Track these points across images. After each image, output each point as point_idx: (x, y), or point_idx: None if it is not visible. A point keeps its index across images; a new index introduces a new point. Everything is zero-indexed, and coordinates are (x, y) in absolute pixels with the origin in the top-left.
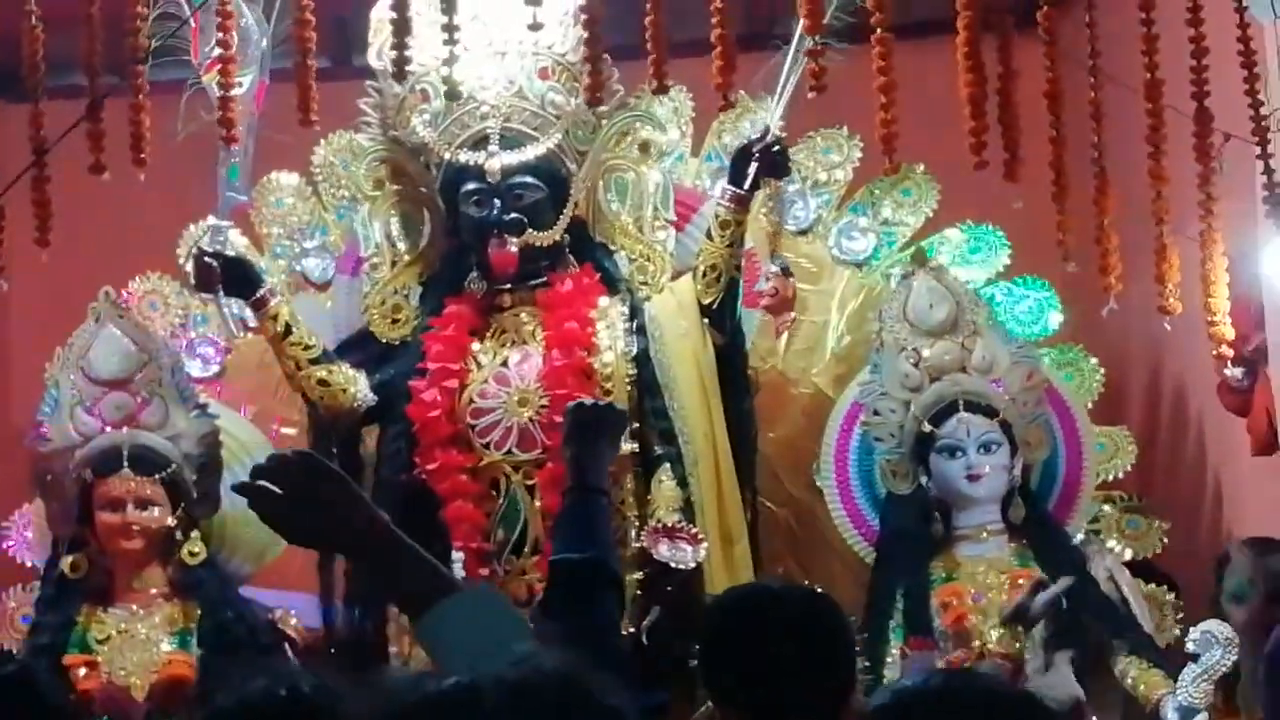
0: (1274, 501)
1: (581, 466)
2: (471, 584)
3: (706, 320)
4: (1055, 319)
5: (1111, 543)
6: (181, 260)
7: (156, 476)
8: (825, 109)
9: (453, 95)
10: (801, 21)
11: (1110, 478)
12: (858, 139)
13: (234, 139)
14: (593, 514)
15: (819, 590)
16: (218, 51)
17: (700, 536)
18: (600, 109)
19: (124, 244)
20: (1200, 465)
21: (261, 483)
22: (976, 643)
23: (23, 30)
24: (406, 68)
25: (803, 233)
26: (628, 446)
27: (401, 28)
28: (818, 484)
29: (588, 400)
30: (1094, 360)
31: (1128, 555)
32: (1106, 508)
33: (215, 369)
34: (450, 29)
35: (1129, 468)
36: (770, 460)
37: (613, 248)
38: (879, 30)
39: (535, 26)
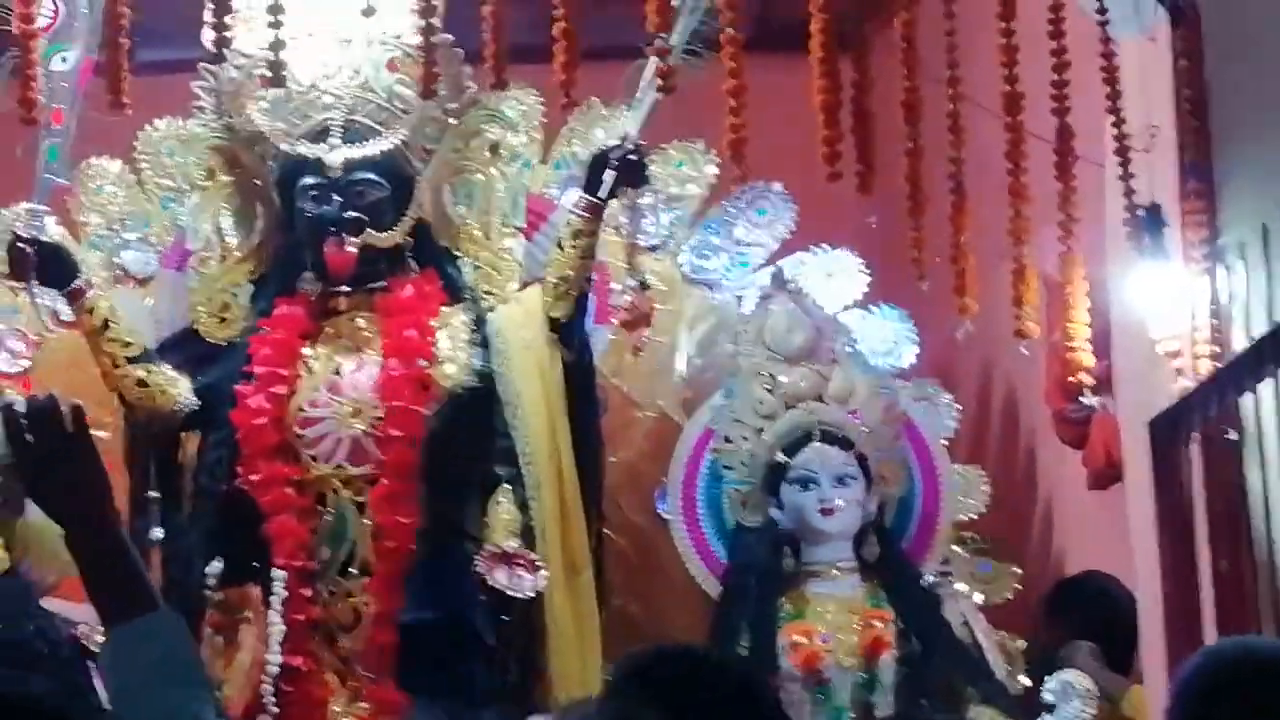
0: (1109, 537)
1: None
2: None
3: (555, 335)
4: (912, 351)
5: (961, 586)
6: None
7: None
8: (685, 123)
9: (278, 81)
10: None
11: (964, 518)
12: (713, 153)
13: (34, 120)
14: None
15: None
16: (41, 22)
17: (539, 564)
18: (450, 106)
19: None
20: (1033, 500)
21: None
22: None
23: None
24: (241, 50)
25: (653, 249)
26: None
27: (221, 3)
28: (660, 512)
29: None
30: (949, 396)
31: (979, 599)
32: (957, 549)
33: (24, 364)
34: (275, 9)
35: (983, 509)
36: (610, 485)
37: (457, 254)
38: (728, 29)
39: (368, 12)
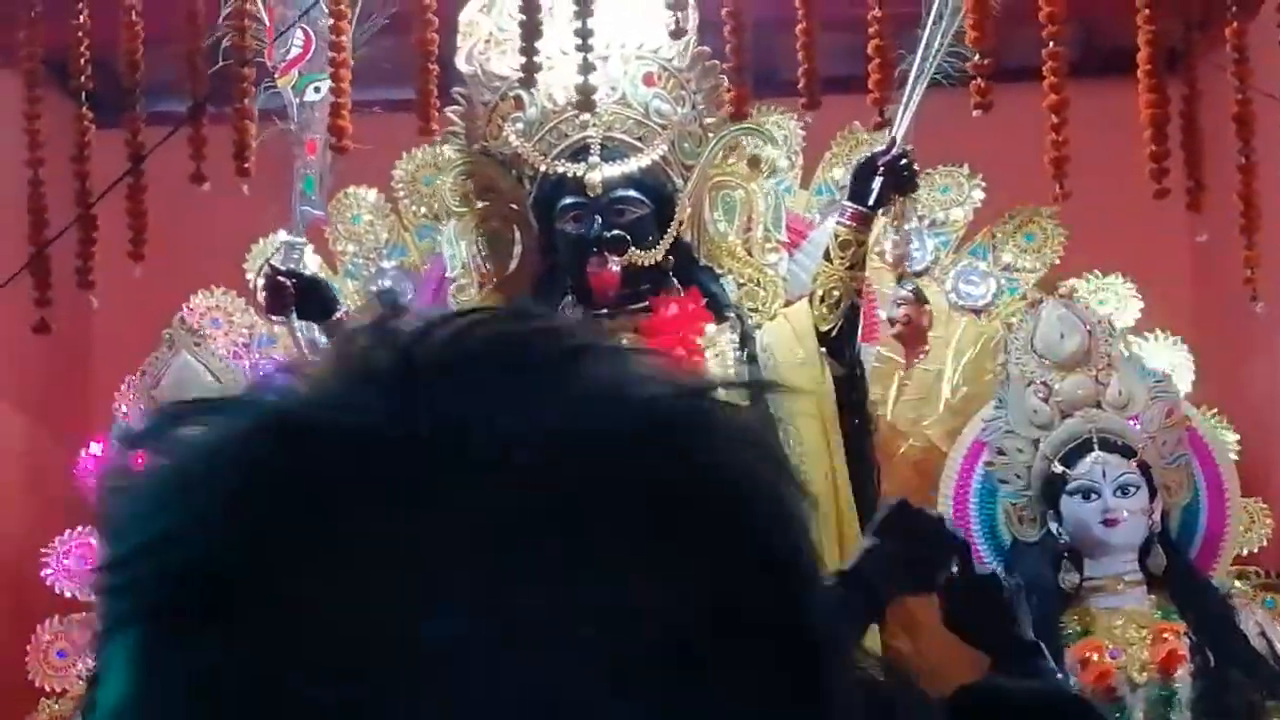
0: None
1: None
2: None
3: (824, 349)
4: (1188, 379)
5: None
6: (250, 277)
7: None
8: (944, 150)
9: (587, 101)
10: (928, 29)
11: (1244, 552)
12: (979, 178)
13: (345, 148)
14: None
15: None
16: (294, 52)
17: None
18: (708, 120)
19: (187, 261)
20: None
21: None
22: None
23: (120, 37)
24: (497, 72)
25: (918, 274)
26: None
27: (530, 31)
28: None
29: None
30: (1229, 427)
31: None
32: (1239, 583)
33: None
34: (584, 34)
35: (1265, 542)
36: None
37: (720, 271)
38: (1052, 44)
39: (678, 34)
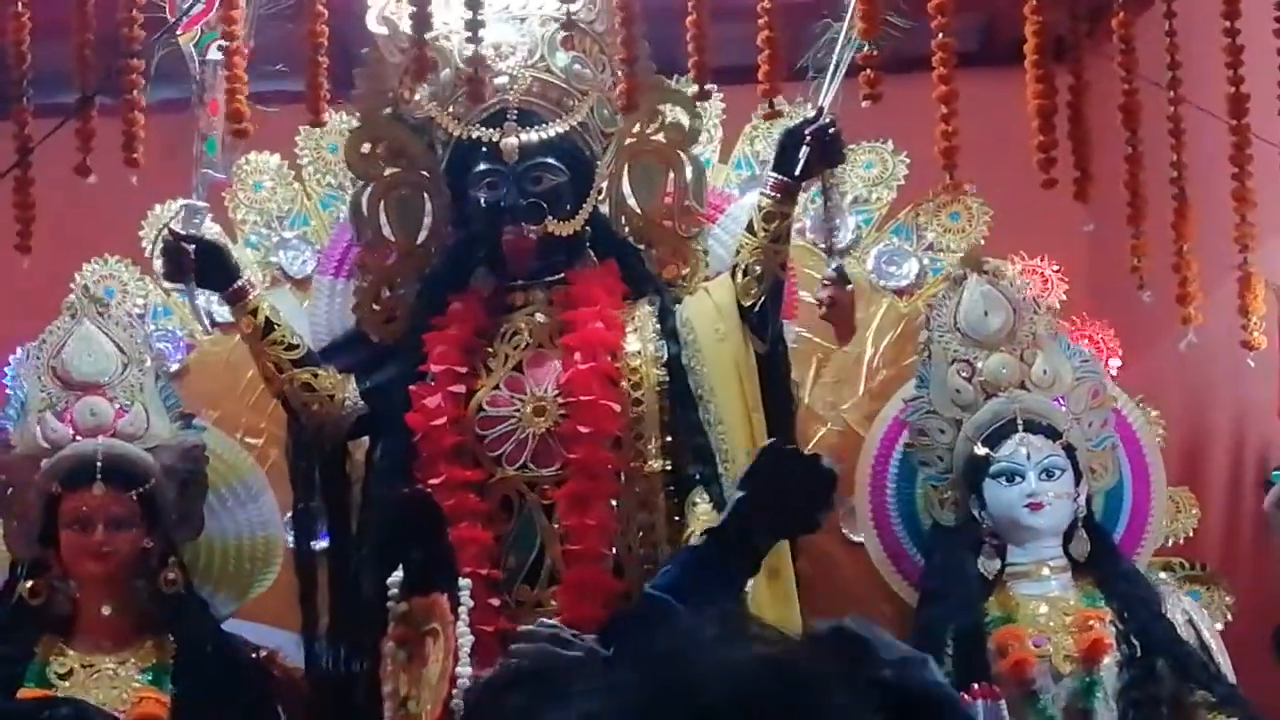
0: None
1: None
2: None
3: (746, 324)
4: (1113, 364)
5: None
6: (145, 244)
7: (132, 493)
8: (869, 131)
9: (476, 91)
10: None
11: (1169, 542)
12: (903, 155)
13: (245, 132)
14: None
15: None
16: (198, 8)
17: None
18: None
19: (80, 229)
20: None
21: None
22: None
23: (7, 30)
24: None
25: (843, 253)
26: (658, 464)
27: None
28: (844, 530)
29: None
30: (1154, 412)
31: None
32: (1163, 575)
33: (175, 367)
34: None
35: (1191, 533)
36: None
37: (639, 243)
38: (941, 35)
39: None
